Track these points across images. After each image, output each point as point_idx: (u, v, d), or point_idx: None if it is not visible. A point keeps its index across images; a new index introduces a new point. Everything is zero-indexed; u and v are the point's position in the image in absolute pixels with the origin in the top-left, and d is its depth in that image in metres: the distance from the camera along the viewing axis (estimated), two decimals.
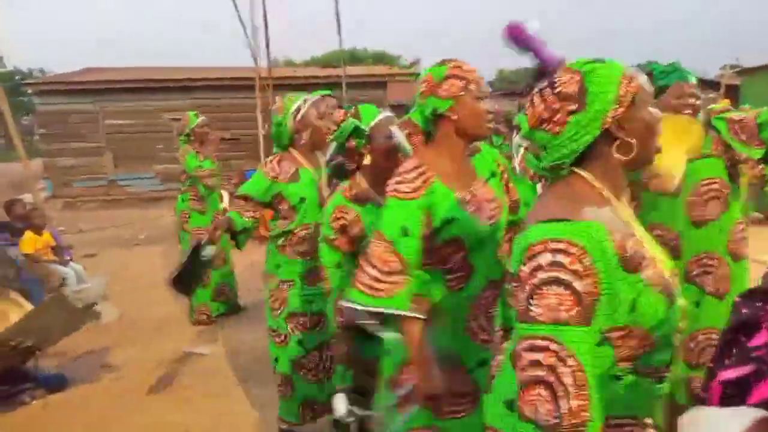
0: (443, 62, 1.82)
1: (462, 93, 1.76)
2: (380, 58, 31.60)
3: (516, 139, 2.75)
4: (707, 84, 17.67)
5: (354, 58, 28.16)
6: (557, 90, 1.11)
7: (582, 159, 1.13)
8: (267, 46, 13.10)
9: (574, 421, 0.95)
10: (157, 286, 6.56)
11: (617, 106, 1.08)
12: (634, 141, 1.10)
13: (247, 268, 6.04)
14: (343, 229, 2.32)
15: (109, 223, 11.54)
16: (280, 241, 2.87)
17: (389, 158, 2.18)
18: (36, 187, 8.52)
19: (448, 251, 1.80)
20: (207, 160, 5.14)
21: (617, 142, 1.10)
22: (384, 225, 1.75)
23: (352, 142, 2.30)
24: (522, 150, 2.64)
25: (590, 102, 1.08)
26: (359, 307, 1.73)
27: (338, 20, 12.05)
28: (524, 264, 1.05)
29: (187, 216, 5.20)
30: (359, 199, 2.30)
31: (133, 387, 3.94)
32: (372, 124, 2.27)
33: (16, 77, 31.73)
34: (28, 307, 3.30)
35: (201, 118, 5.19)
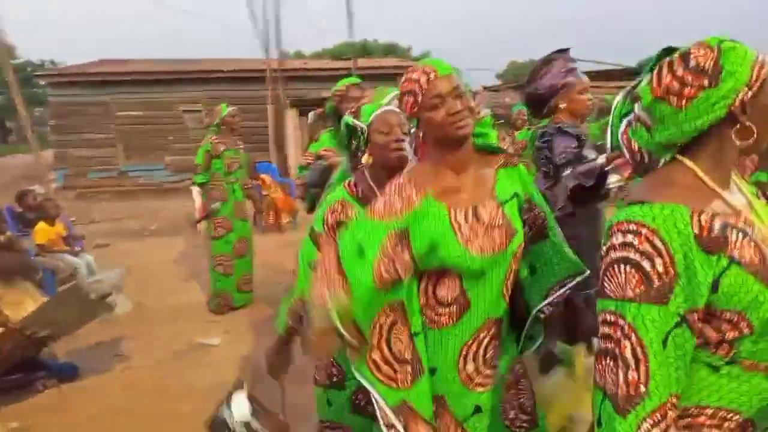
0: (402, 78, 1.60)
1: (415, 109, 1.56)
2: (391, 50, 31.52)
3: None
4: None
5: (364, 50, 28.10)
6: (691, 63, 1.07)
7: (691, 144, 1.11)
8: (278, 38, 13.11)
9: (630, 393, 1.01)
10: (169, 276, 6.62)
11: (747, 89, 1.05)
12: (754, 127, 1.07)
13: (260, 258, 6.05)
14: (336, 227, 2.00)
15: (120, 214, 11.63)
16: None
17: (387, 157, 1.95)
18: (47, 178, 8.61)
19: (438, 279, 1.56)
20: (231, 149, 5.24)
21: (737, 126, 1.07)
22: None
23: (354, 143, 2.12)
24: (624, 124, 2.51)
25: (723, 80, 1.05)
26: (381, 403, 1.52)
27: (349, 12, 12.01)
28: (604, 243, 1.10)
29: (209, 203, 5.26)
30: (365, 199, 1.98)
31: (143, 376, 3.97)
32: (369, 119, 2.05)
33: (28, 68, 31.92)
34: (42, 297, 3.33)
35: (231, 108, 5.28)
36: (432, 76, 1.52)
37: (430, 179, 1.55)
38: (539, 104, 2.94)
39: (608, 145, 2.47)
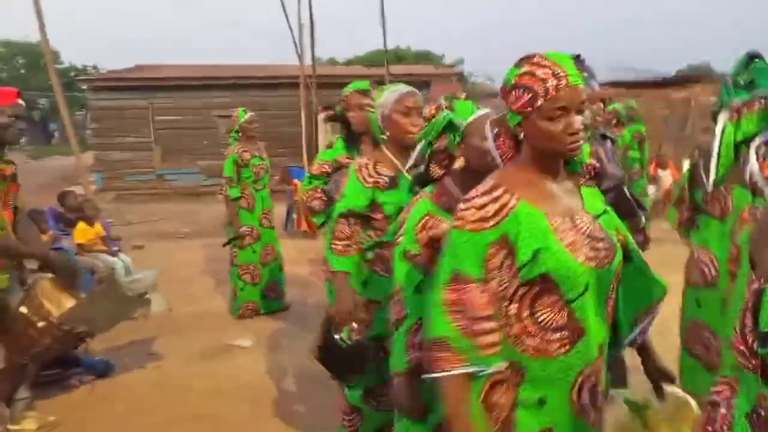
0: (520, 60, 1.41)
1: (528, 110, 1.37)
2: (423, 57, 31.54)
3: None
4: None
5: (397, 57, 28.19)
6: None
7: None
8: (312, 45, 13.25)
9: None
10: (202, 278, 6.74)
11: None
12: None
13: (291, 263, 6.11)
14: (431, 243, 1.82)
15: (156, 216, 11.87)
16: (370, 255, 2.47)
17: (485, 163, 1.73)
18: (87, 179, 8.85)
19: (537, 295, 1.37)
20: (256, 157, 5.23)
21: None
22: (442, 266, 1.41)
23: (443, 142, 1.91)
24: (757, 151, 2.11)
25: None
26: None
27: (383, 19, 12.09)
28: None
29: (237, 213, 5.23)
30: (452, 209, 1.76)
31: (174, 376, 4.05)
32: (469, 120, 1.86)
33: (71, 73, 32.92)
34: (81, 295, 3.42)
35: (249, 114, 5.25)
36: (562, 83, 1.33)
37: (523, 184, 1.40)
38: None
39: (710, 180, 2.27)
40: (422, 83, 15.03)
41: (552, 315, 1.37)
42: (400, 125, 2.42)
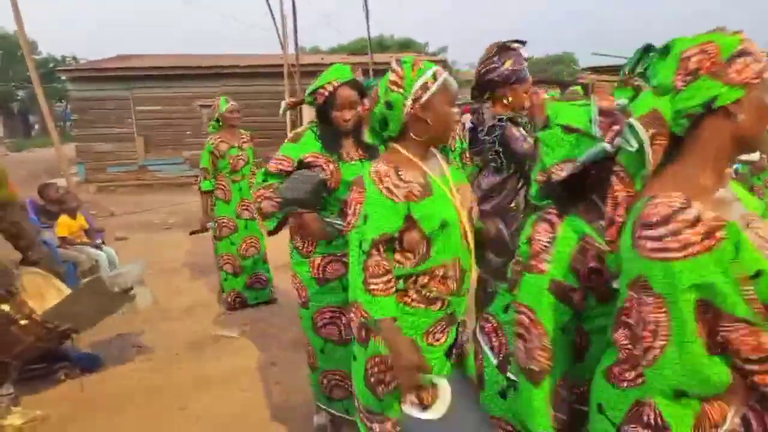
0: (734, 33, 1.19)
1: (756, 80, 1.15)
2: (407, 46, 31.43)
3: None
4: None
5: (381, 45, 28.06)
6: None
7: None
8: (295, 33, 13.15)
9: None
10: (188, 270, 6.69)
11: None
12: None
13: (280, 254, 6.08)
14: (590, 276, 1.47)
15: (139, 207, 11.76)
16: (401, 284, 1.89)
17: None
18: (68, 171, 8.73)
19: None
20: (234, 147, 5.12)
21: None
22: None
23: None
24: None
25: None
26: None
27: (366, 7, 12.01)
28: None
29: (213, 205, 5.21)
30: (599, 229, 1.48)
31: (162, 368, 4.02)
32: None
33: (50, 64, 32.36)
34: (65, 289, 3.38)
35: (230, 103, 5.15)
36: None
37: (704, 194, 1.18)
38: (485, 89, 2.91)
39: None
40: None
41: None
42: (449, 117, 1.90)
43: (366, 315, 1.79)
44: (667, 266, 1.10)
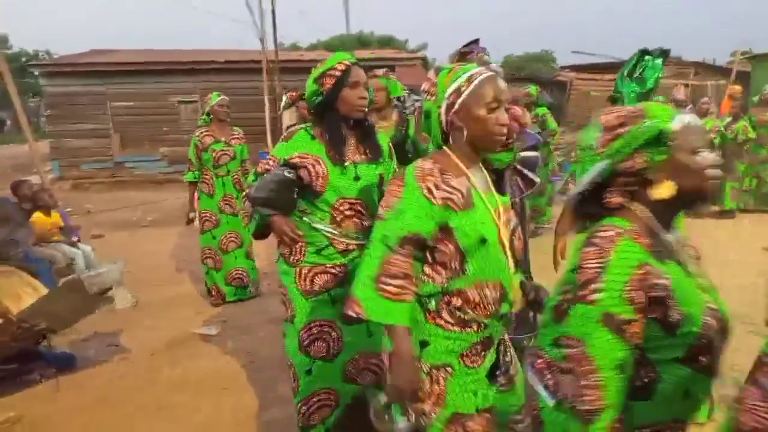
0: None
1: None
2: (387, 42, 31.39)
3: None
4: (717, 70, 17.49)
5: (360, 42, 28.00)
6: None
7: None
8: (274, 29, 13.07)
9: None
10: (166, 267, 6.63)
11: None
12: None
13: (266, 250, 6.05)
14: (649, 307, 1.30)
15: (116, 204, 11.60)
16: (432, 304, 1.77)
17: (699, 183, 1.34)
18: (42, 168, 8.57)
19: None
20: (219, 142, 5.16)
21: None
22: None
23: (639, 159, 1.35)
24: None
25: None
26: None
27: (346, 3, 11.97)
28: None
29: (197, 198, 5.27)
30: (662, 255, 1.33)
31: (139, 367, 3.98)
32: (675, 126, 1.33)
33: (23, 59, 31.67)
34: (41, 288, 3.33)
35: (221, 98, 5.20)
36: None
37: None
38: None
39: None
40: (387, 68, 14.99)
41: None
42: (487, 123, 1.73)
43: (359, 311, 1.68)
44: None
